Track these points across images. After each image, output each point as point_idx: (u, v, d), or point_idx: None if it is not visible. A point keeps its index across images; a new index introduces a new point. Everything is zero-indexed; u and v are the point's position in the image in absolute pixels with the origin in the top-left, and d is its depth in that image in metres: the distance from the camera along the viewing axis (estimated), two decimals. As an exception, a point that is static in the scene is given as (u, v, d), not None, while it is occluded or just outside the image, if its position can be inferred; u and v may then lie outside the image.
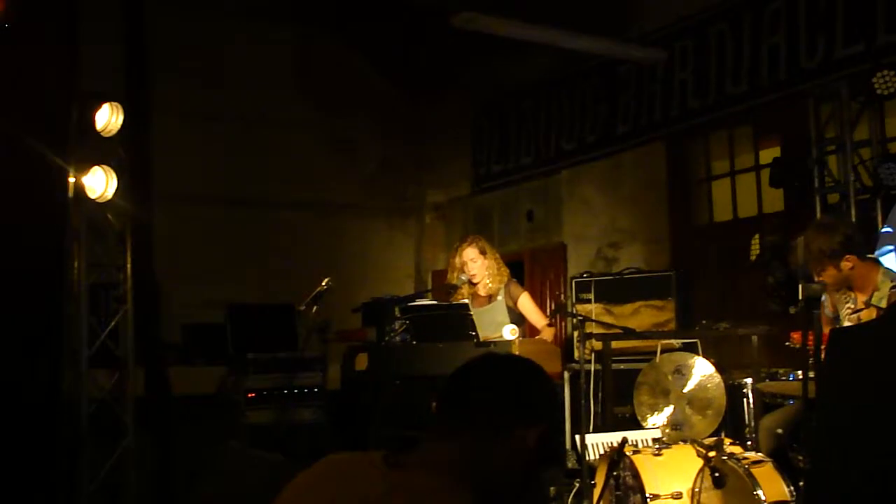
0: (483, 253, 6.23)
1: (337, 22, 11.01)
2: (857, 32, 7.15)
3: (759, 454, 4.64)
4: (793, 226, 6.93)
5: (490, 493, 1.85)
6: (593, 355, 6.70)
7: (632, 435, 5.42)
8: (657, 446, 4.72)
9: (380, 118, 11.66)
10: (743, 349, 6.32)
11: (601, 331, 6.37)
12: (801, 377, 4.29)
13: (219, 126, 10.21)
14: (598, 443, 5.48)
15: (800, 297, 4.24)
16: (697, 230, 8.88)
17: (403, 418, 5.37)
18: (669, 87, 8.81)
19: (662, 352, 6.11)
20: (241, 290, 9.49)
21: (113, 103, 6.24)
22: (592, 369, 6.68)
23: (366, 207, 11.69)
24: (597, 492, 4.39)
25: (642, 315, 7.55)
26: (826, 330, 4.03)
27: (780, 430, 4.80)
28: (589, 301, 7.67)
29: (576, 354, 6.93)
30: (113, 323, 6.50)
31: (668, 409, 5.64)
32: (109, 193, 6.22)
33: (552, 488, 5.73)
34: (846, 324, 4.67)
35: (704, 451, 4.44)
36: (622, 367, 6.78)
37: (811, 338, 3.68)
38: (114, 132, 6.29)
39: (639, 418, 5.80)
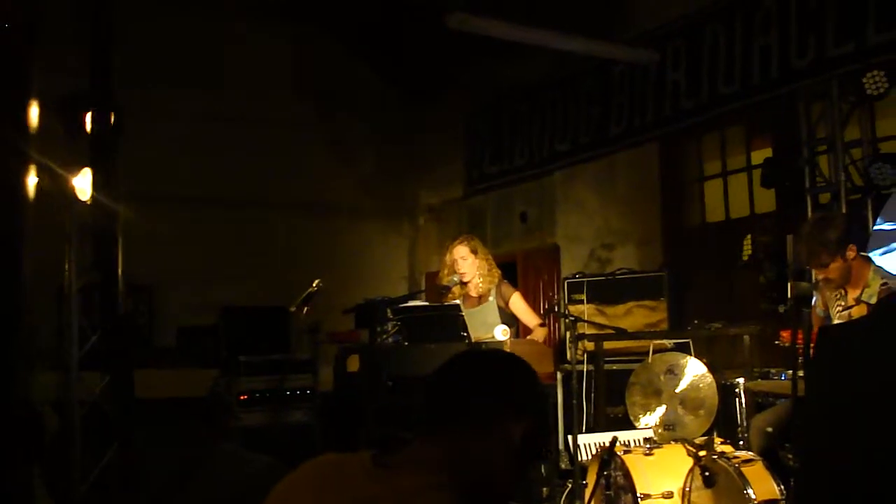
0: (474, 252, 6.22)
1: (333, 23, 11.00)
2: (848, 32, 7.15)
3: (750, 453, 4.64)
4: (785, 226, 6.95)
5: (478, 489, 1.84)
6: (585, 356, 6.70)
7: (624, 435, 5.42)
8: (648, 446, 4.72)
9: (375, 119, 11.67)
10: (735, 349, 6.32)
11: (593, 331, 6.36)
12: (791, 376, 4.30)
13: (214, 126, 10.21)
14: (590, 443, 5.48)
15: (789, 295, 4.24)
16: (690, 231, 8.89)
17: (396, 419, 5.37)
18: (662, 87, 8.81)
19: (654, 352, 6.12)
20: (235, 292, 9.49)
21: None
22: (585, 370, 6.68)
23: (360, 209, 11.69)
24: (588, 491, 4.39)
25: (635, 315, 7.56)
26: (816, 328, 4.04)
27: (769, 429, 4.80)
28: (581, 301, 7.68)
29: (568, 355, 6.92)
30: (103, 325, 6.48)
31: (661, 410, 5.64)
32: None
33: (545, 489, 5.72)
34: (837, 321, 4.67)
35: (695, 451, 4.44)
36: (615, 367, 6.78)
37: (801, 336, 3.68)
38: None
39: (631, 418, 5.80)
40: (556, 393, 7.04)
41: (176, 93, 9.76)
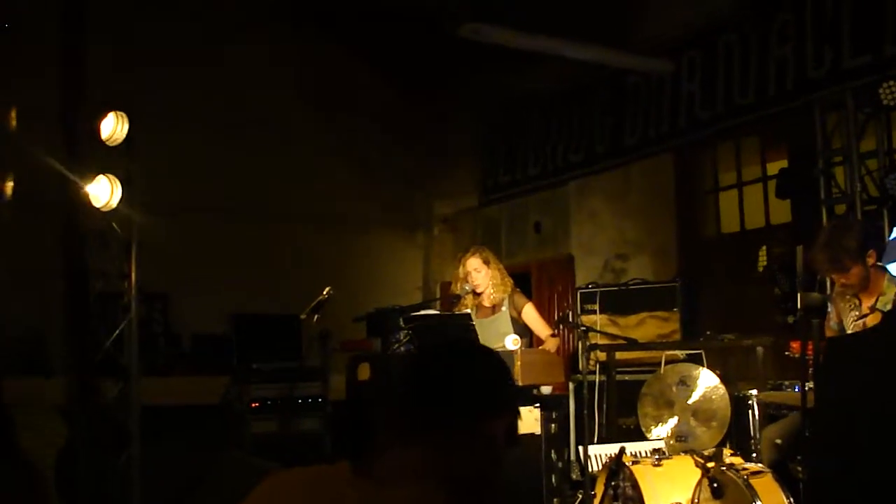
0: (487, 263, 6.21)
1: (344, 30, 11.03)
2: (865, 44, 7.13)
3: (759, 465, 4.61)
4: (799, 237, 6.91)
5: (469, 492, 1.80)
6: (598, 366, 6.68)
7: (635, 446, 5.39)
8: (657, 457, 4.69)
9: (388, 129, 11.67)
10: (748, 361, 6.30)
11: (605, 341, 6.35)
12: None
13: (227, 138, 10.23)
14: (600, 454, 5.45)
15: (800, 306, 4.21)
16: (705, 242, 8.86)
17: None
18: (677, 98, 8.80)
19: (667, 363, 6.10)
20: (250, 301, 9.50)
21: (118, 112, 6.26)
22: (597, 380, 6.66)
23: (374, 219, 11.70)
24: (596, 502, 4.37)
25: (647, 326, 7.53)
26: (827, 340, 4.01)
27: (779, 441, 4.77)
28: (594, 312, 7.66)
29: (580, 365, 6.90)
30: (117, 332, 6.51)
31: (673, 421, 5.62)
32: (114, 202, 6.24)
33: (555, 499, 5.69)
34: (851, 331, 4.64)
35: (703, 462, 4.41)
36: (627, 378, 6.76)
37: (811, 347, 3.66)
38: (119, 141, 6.30)
39: (643, 430, 5.79)
40: (569, 403, 7.02)
41: (191, 102, 9.80)
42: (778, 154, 8.22)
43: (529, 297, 6.69)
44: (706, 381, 5.59)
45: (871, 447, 2.78)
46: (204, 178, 10.13)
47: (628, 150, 9.36)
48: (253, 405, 6.47)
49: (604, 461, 5.35)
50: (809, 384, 3.70)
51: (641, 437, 5.71)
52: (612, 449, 5.49)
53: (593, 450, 5.52)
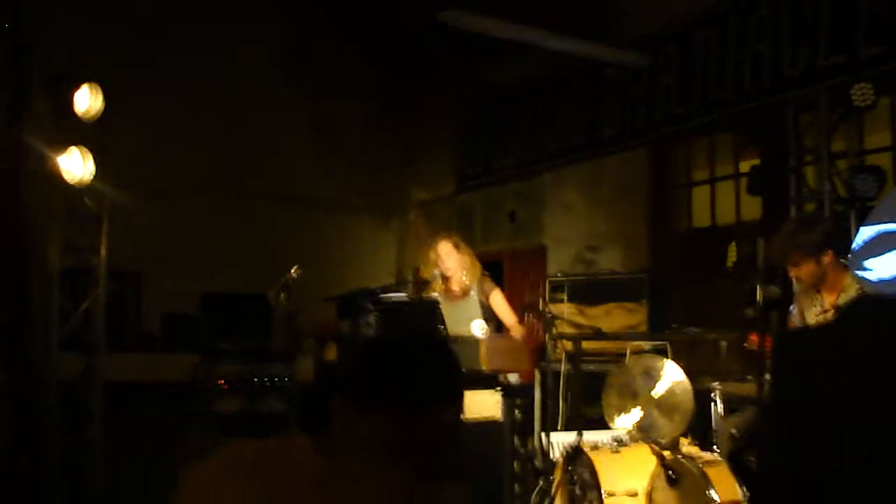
0: (457, 248, 6.25)
1: (327, 11, 11.01)
2: (840, 44, 7.18)
3: (715, 455, 4.67)
4: (768, 234, 6.96)
5: (415, 470, 1.86)
6: (564, 355, 6.72)
7: (599, 435, 5.43)
8: (616, 444, 4.73)
9: (367, 113, 11.68)
10: (713, 354, 6.34)
11: (570, 331, 6.39)
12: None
13: (200, 115, 10.20)
14: (563, 442, 5.50)
15: (758, 298, 4.26)
16: (676, 235, 8.92)
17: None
18: (653, 92, 8.84)
19: (632, 354, 6.14)
20: (223, 281, 9.48)
21: (93, 84, 6.22)
22: (563, 369, 6.70)
23: (350, 202, 11.70)
24: (554, 487, 4.41)
25: (614, 317, 7.58)
26: (787, 335, 4.05)
27: (734, 432, 4.83)
28: (562, 301, 7.71)
29: (547, 354, 6.95)
30: (84, 306, 6.50)
31: (636, 412, 5.65)
32: (87, 177, 6.21)
33: (517, 485, 5.74)
34: (812, 329, 4.69)
35: (660, 451, 4.46)
36: (593, 368, 6.80)
37: (769, 340, 3.70)
38: (93, 115, 6.27)
39: (606, 420, 5.82)
40: (534, 391, 7.08)
41: (163, 80, 9.76)
42: (751, 151, 8.27)
43: (501, 285, 6.72)
44: (671, 374, 5.62)
45: (813, 442, 2.82)
46: (179, 157, 10.11)
47: (604, 142, 9.40)
48: (220, 383, 6.47)
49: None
50: (767, 377, 3.76)
51: (606, 427, 5.75)
52: (574, 437, 5.55)
53: (556, 437, 5.57)
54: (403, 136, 12.03)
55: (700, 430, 5.71)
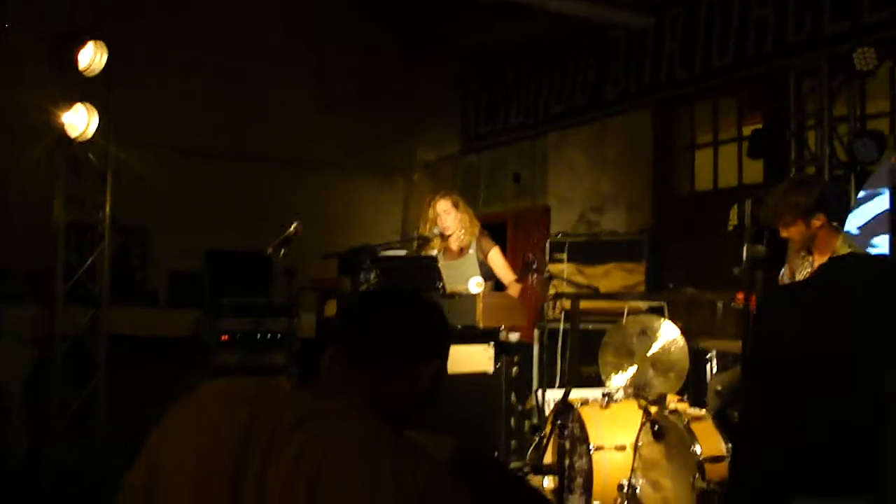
0: (456, 206, 6.31)
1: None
2: (844, 10, 7.17)
3: (701, 410, 4.74)
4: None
5: (391, 419, 1.92)
6: (563, 314, 6.80)
7: (592, 393, 5.51)
8: (605, 400, 4.81)
9: (371, 73, 11.67)
10: (709, 314, 6.41)
11: (567, 290, 6.46)
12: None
13: (206, 75, 10.21)
14: (558, 398, 5.58)
15: (744, 257, 4.30)
16: (678, 198, 8.95)
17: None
18: (658, 54, 8.84)
19: (629, 314, 6.20)
20: (229, 239, 9.57)
21: (97, 42, 6.28)
22: (561, 328, 6.78)
23: (354, 162, 11.72)
24: (544, 442, 4.50)
25: (613, 277, 7.64)
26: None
27: (719, 388, 4.90)
28: (562, 261, 7.77)
29: (545, 312, 7.04)
30: (90, 261, 6.60)
31: (632, 370, 5.72)
32: (90, 132, 6.29)
33: (513, 441, 5.84)
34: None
35: (647, 406, 4.54)
36: (591, 327, 6.88)
37: (754, 299, 3.77)
38: (97, 71, 6.34)
39: (602, 378, 5.90)
40: (532, 349, 7.16)
41: (170, 39, 9.77)
42: (755, 116, 8.29)
43: (505, 246, 6.79)
44: (667, 333, 5.69)
45: (791, 394, 2.88)
46: (186, 115, 10.12)
47: (608, 103, 9.41)
48: (223, 338, 6.55)
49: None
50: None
51: (602, 385, 5.83)
52: (587, 395, 5.63)
53: (551, 394, 5.66)
54: (409, 96, 12.02)
55: (696, 388, 5.79)
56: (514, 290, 6.19)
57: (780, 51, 7.66)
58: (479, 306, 5.30)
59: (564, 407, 4.40)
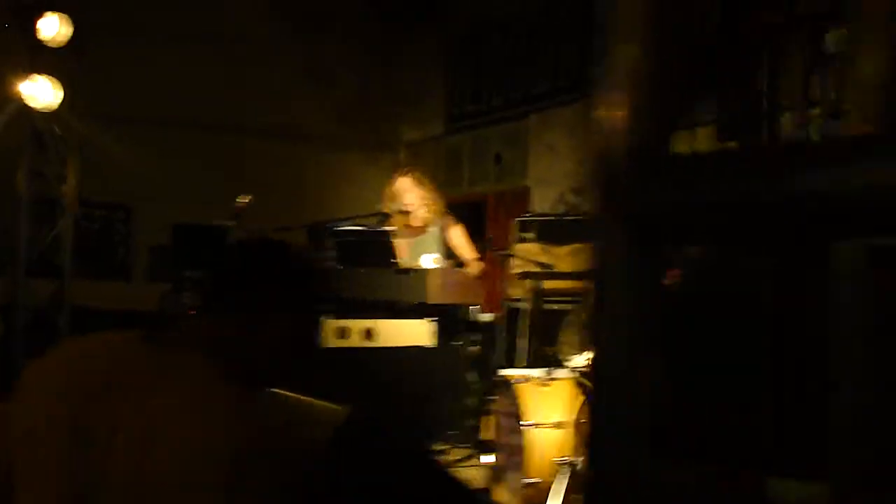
0: (417, 183, 6.29)
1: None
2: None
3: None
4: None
5: (246, 373, 1.89)
6: (528, 294, 6.77)
7: (559, 373, 5.49)
8: (547, 377, 4.79)
9: (357, 49, 11.63)
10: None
11: (531, 269, 6.44)
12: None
13: (187, 48, 10.17)
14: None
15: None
16: (657, 179, 8.89)
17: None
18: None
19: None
20: (212, 214, 9.57)
21: (61, 14, 6.27)
22: (525, 308, 6.76)
23: (338, 139, 11.68)
24: (485, 418, 4.50)
25: (578, 257, 7.59)
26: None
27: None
28: (530, 240, 7.72)
29: (507, 292, 7.03)
30: (53, 233, 6.60)
31: (591, 351, 5.69)
32: (54, 104, 6.28)
33: (471, 420, 5.83)
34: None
35: (583, 381, 4.52)
36: (555, 307, 6.85)
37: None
38: (61, 43, 6.32)
39: (562, 358, 5.88)
40: (496, 329, 7.15)
41: (149, 10, 9.75)
42: (733, 94, 8.23)
43: (485, 227, 6.76)
44: (627, 313, 5.63)
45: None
46: (169, 89, 10.11)
47: (589, 84, 9.33)
48: (190, 312, 6.55)
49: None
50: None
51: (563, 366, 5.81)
52: (528, 373, 5.62)
53: (505, 372, 5.64)
54: (393, 73, 11.98)
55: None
56: (474, 268, 6.18)
57: (756, 31, 7.59)
58: (430, 281, 5.29)
59: (501, 385, 4.39)
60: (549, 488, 4.17)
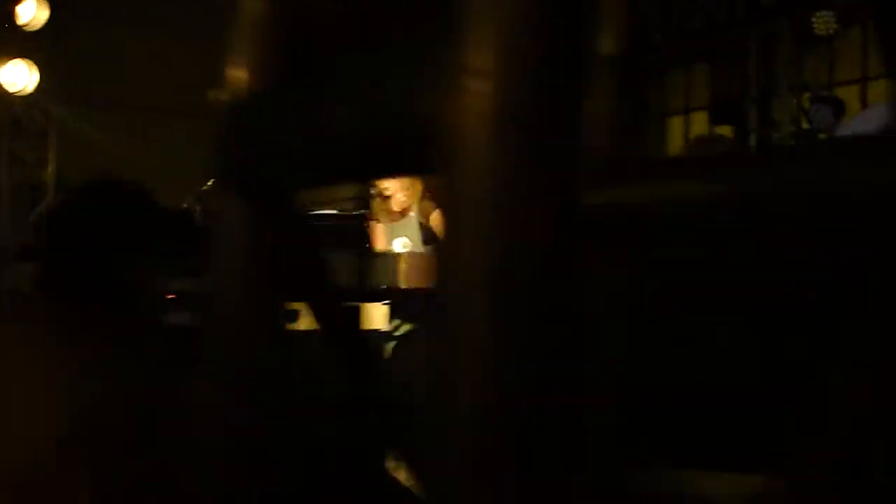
0: (396, 168, 6.23)
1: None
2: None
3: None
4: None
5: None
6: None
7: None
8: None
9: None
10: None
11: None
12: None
13: (167, 32, 10.13)
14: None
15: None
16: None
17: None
18: (632, 19, 8.69)
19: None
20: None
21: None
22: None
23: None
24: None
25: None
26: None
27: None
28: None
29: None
30: (33, 218, 6.59)
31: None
32: (30, 88, 6.25)
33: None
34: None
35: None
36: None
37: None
38: (38, 26, 6.29)
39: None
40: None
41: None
42: (727, 82, 8.16)
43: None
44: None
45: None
46: (148, 74, 10.07)
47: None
48: (170, 297, 6.52)
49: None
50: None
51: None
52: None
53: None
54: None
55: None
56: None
57: (750, 16, 7.50)
58: (401, 265, 5.22)
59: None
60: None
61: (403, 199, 6.26)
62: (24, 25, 6.21)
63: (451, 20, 0.85)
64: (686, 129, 8.54)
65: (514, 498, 0.82)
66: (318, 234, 5.42)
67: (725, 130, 7.67)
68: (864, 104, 6.90)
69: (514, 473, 0.82)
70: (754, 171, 1.05)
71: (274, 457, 1.28)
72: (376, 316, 4.82)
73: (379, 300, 4.94)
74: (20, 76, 6.17)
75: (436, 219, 6.30)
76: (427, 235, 6.22)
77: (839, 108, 6.55)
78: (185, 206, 5.86)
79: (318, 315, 1.37)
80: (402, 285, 5.24)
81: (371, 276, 5.18)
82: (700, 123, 8.41)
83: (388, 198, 6.27)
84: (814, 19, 6.54)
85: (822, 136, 6.45)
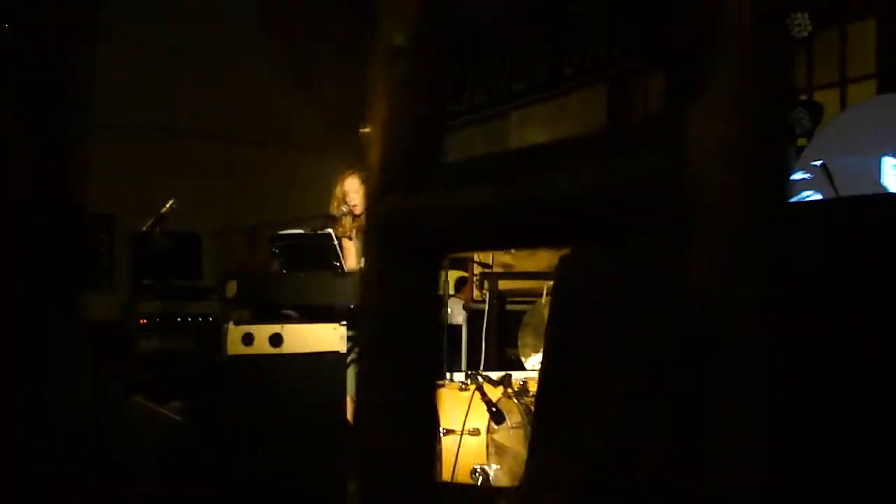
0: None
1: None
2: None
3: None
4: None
5: None
6: (488, 295, 6.64)
7: (516, 375, 5.33)
8: (464, 384, 4.63)
9: (342, 53, 11.53)
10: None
11: (481, 270, 6.31)
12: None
13: (174, 55, 10.15)
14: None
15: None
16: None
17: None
18: (612, 28, 8.62)
19: (548, 293, 6.02)
20: (196, 223, 9.51)
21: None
22: (486, 309, 6.62)
23: (326, 144, 11.59)
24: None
25: (540, 257, 7.42)
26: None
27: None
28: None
29: (474, 294, 6.89)
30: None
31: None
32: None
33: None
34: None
35: (483, 388, 4.34)
36: (518, 308, 6.71)
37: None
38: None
39: (522, 359, 5.74)
40: (462, 332, 7.02)
41: (132, 17, 9.70)
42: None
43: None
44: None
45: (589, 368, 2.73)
46: (154, 97, 10.08)
47: (565, 80, 9.20)
48: (142, 322, 6.47)
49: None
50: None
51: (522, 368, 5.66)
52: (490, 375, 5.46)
53: (458, 377, 5.50)
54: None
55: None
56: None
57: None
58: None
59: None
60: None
61: (375, 215, 6.21)
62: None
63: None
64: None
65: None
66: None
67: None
68: (843, 108, 6.80)
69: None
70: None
71: None
72: (330, 337, 4.73)
73: (333, 320, 4.86)
74: None
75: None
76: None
77: (816, 112, 6.44)
78: (143, 229, 5.83)
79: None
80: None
81: (343, 294, 5.11)
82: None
83: (357, 215, 6.22)
84: (788, 21, 6.43)
85: (800, 140, 6.34)
